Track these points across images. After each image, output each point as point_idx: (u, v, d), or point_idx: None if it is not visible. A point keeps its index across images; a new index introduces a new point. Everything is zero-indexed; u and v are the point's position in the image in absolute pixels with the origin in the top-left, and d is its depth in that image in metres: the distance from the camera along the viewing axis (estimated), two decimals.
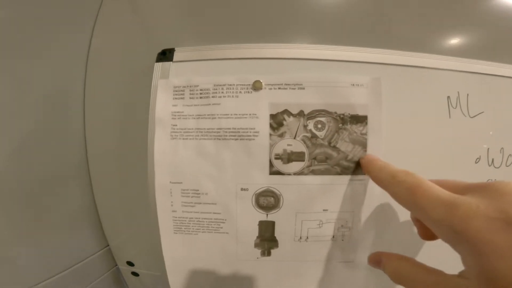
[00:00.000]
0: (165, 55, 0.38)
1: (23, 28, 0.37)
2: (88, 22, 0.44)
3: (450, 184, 0.23)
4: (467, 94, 0.35)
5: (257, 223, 0.36)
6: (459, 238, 0.19)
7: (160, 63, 0.38)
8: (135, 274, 0.53)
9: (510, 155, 0.37)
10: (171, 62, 0.37)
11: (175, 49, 0.38)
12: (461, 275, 0.20)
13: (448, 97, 0.35)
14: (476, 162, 0.36)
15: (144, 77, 0.38)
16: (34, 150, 0.40)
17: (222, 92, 0.34)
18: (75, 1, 0.42)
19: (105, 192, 0.48)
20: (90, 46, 0.44)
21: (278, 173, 0.34)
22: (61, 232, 0.45)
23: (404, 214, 0.37)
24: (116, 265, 0.54)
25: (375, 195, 0.35)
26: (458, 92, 0.35)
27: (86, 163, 0.46)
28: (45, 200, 0.42)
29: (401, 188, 0.24)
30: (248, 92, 0.34)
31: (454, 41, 0.37)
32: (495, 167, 0.37)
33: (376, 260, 0.28)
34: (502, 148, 0.36)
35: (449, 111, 0.35)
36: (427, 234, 0.28)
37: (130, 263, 0.52)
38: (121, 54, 0.43)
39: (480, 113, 0.35)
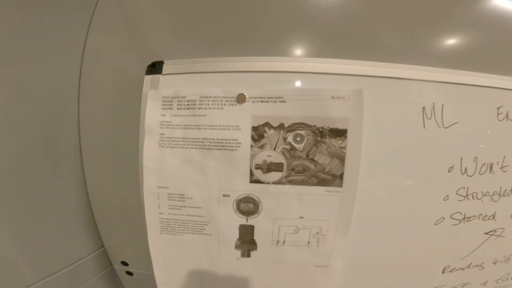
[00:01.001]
0: (155, 67, 0.39)
1: (20, 33, 0.38)
2: (82, 29, 0.45)
3: None
4: (442, 105, 0.35)
5: (238, 226, 0.38)
6: None
7: (150, 76, 0.39)
8: (129, 273, 0.55)
9: (484, 164, 0.37)
10: (160, 75, 0.38)
11: (164, 62, 0.39)
12: None
13: (424, 108, 0.35)
14: (449, 171, 0.37)
15: (136, 82, 0.39)
16: (30, 152, 0.42)
17: (208, 104, 0.36)
18: (67, 12, 0.43)
19: (100, 194, 0.49)
20: (84, 53, 0.45)
21: (258, 181, 0.36)
22: (57, 232, 0.47)
23: (378, 227, 0.39)
24: (111, 265, 0.56)
25: (350, 206, 0.36)
26: (433, 103, 0.35)
27: (81, 165, 0.48)
28: (41, 202, 0.44)
29: None
30: (232, 104, 0.35)
31: (431, 51, 0.38)
32: (468, 176, 0.37)
33: None
34: (475, 157, 0.37)
35: (423, 121, 0.36)
36: None
37: (124, 263, 0.54)
38: (114, 60, 0.45)
39: (454, 124, 0.36)
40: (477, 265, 0.42)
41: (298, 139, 0.35)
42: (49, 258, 0.46)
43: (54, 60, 0.43)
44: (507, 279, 0.44)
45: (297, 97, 0.35)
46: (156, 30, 0.42)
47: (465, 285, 0.44)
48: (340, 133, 0.34)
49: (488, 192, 0.38)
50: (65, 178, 0.47)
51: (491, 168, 0.38)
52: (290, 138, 0.35)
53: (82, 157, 0.48)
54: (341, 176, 0.35)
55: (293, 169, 0.35)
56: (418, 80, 0.36)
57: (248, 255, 0.39)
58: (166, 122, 0.36)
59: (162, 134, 0.37)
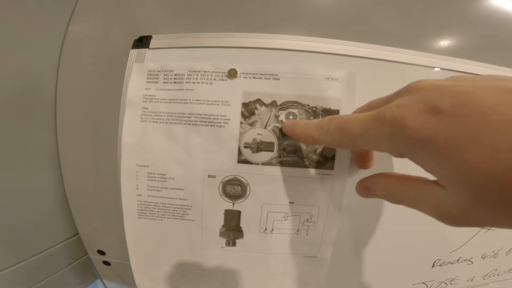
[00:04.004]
0: (142, 42, 0.35)
1: None
2: (67, 7, 0.40)
3: (375, 102, 0.23)
4: None
5: (223, 211, 0.33)
6: (404, 146, 0.16)
7: (136, 50, 0.35)
8: (106, 263, 0.49)
9: None
10: (147, 49, 0.35)
11: (153, 36, 0.35)
12: (438, 183, 0.17)
13: None
14: None
15: (120, 63, 0.35)
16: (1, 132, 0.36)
17: (197, 78, 0.32)
18: None
19: (76, 177, 0.43)
20: (67, 30, 0.41)
21: (247, 162, 0.32)
22: (25, 217, 0.41)
23: (370, 213, 0.36)
24: (87, 253, 0.50)
25: (341, 191, 0.33)
26: None
27: (56, 146, 0.42)
28: (12, 184, 0.38)
29: (332, 135, 0.22)
30: (223, 79, 0.32)
31: (433, 38, 0.36)
32: None
33: (364, 188, 0.25)
34: None
35: None
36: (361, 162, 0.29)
37: (101, 252, 0.48)
38: (98, 40, 0.40)
39: None
40: (466, 260, 0.39)
41: (291, 117, 0.32)
42: (16, 245, 0.40)
43: (34, 31, 0.38)
44: (493, 275, 0.42)
45: (292, 75, 0.32)
46: (144, 4, 0.39)
47: (453, 280, 0.41)
48: (333, 113, 0.31)
49: None
50: (36, 158, 0.41)
51: None
52: (282, 116, 0.32)
53: (57, 136, 0.42)
54: (332, 158, 0.32)
55: (284, 149, 0.32)
56: (414, 64, 0.33)
57: (234, 244, 0.35)
58: (150, 95, 0.32)
59: (145, 108, 0.32)
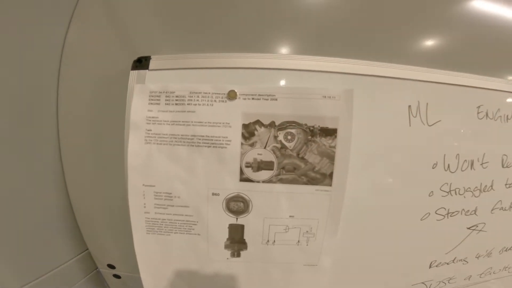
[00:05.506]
0: (141, 63, 0.36)
1: None
2: (63, 23, 0.40)
3: None
4: (427, 103, 0.35)
5: (227, 226, 0.35)
6: None
7: (136, 71, 0.35)
8: (117, 276, 0.51)
9: (465, 160, 0.37)
10: (147, 70, 0.35)
11: (151, 57, 0.36)
12: None
13: (409, 106, 0.34)
14: (433, 168, 0.36)
15: (120, 79, 0.36)
16: (4, 153, 0.37)
17: (198, 100, 0.33)
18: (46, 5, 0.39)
19: (81, 195, 0.45)
20: (64, 47, 0.41)
21: (248, 180, 0.33)
22: (37, 236, 0.42)
23: (366, 225, 0.37)
24: (97, 268, 0.51)
25: (339, 205, 0.34)
26: (419, 101, 0.34)
27: (61, 165, 0.43)
28: (19, 205, 0.39)
29: None
30: (223, 101, 0.33)
31: (417, 51, 0.37)
32: (451, 172, 0.37)
33: None
34: (457, 154, 0.36)
35: (409, 119, 0.35)
36: None
37: (111, 266, 0.50)
38: (96, 57, 0.40)
39: (438, 121, 0.35)
40: (461, 260, 0.41)
41: (289, 137, 0.33)
42: (29, 263, 0.41)
43: (30, 55, 0.38)
44: (489, 274, 0.44)
45: (289, 95, 0.33)
46: (141, 25, 0.39)
47: (450, 279, 0.43)
48: (331, 133, 0.33)
49: (469, 187, 0.38)
50: (42, 180, 0.42)
51: (472, 164, 0.37)
52: (281, 136, 0.33)
53: (62, 157, 0.43)
54: (330, 175, 0.33)
55: (283, 168, 0.33)
56: (404, 79, 0.35)
57: (238, 255, 0.37)
58: (152, 117, 0.34)
59: (149, 130, 0.33)
